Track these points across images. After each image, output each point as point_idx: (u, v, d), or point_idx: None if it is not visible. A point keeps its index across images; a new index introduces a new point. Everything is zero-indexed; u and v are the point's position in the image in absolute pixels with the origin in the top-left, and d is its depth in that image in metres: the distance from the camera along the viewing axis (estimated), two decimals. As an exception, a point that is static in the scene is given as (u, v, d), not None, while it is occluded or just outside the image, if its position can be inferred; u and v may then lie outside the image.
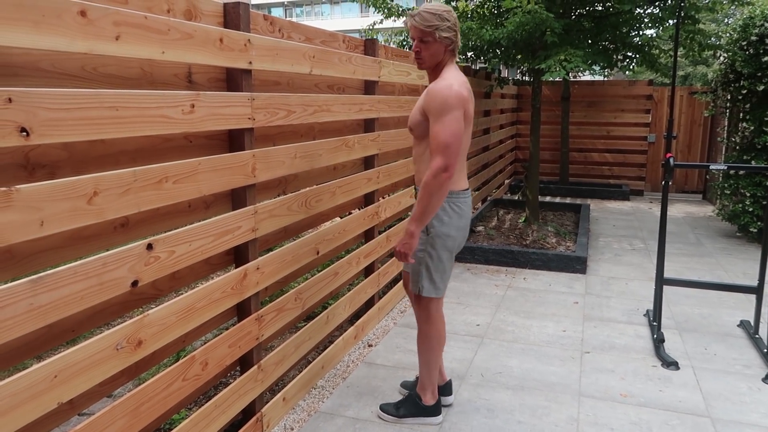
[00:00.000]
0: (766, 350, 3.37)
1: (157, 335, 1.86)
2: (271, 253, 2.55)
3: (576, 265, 5.07)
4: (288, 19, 2.72)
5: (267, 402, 2.61)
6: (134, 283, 1.76)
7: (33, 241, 1.54)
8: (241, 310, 2.39)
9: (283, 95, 2.52)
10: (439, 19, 2.36)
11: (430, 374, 2.68)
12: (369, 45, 3.55)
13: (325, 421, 2.70)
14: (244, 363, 2.45)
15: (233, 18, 2.23)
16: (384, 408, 2.72)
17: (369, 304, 3.78)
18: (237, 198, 2.33)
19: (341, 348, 3.34)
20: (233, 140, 2.30)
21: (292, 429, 2.65)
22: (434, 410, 2.70)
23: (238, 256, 2.37)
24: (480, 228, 6.23)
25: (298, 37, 2.78)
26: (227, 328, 2.31)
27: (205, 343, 2.20)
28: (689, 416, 2.78)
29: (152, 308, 1.88)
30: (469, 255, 5.35)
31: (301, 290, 2.83)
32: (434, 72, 2.47)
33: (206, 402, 2.19)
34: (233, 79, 2.27)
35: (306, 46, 2.71)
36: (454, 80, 2.36)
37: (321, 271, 3.11)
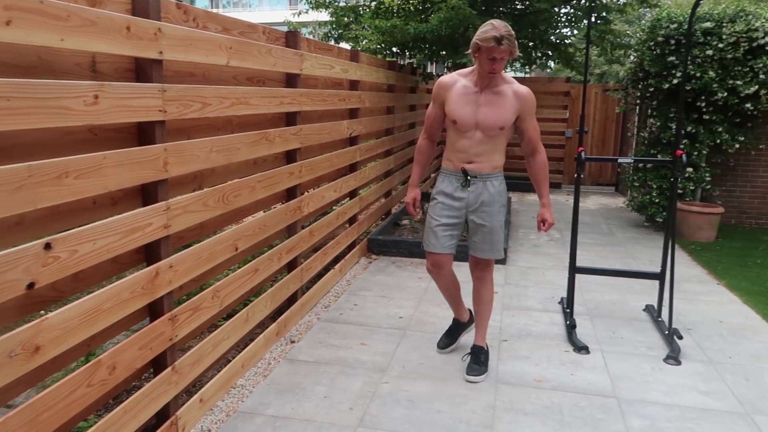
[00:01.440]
0: (667, 332, 3.61)
1: (57, 340, 1.76)
2: (185, 250, 2.47)
3: (497, 256, 5.22)
4: (214, 10, 2.64)
5: (183, 404, 2.53)
6: (30, 285, 1.66)
7: None
8: (154, 311, 2.31)
9: (197, 87, 2.44)
10: (515, 39, 2.77)
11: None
12: (290, 37, 3.50)
13: (244, 421, 2.66)
14: (158, 365, 2.36)
15: (142, 5, 2.14)
16: (473, 374, 3.08)
17: (292, 300, 3.75)
18: (148, 194, 2.24)
19: (263, 345, 3.29)
20: (143, 133, 2.20)
21: (210, 430, 2.59)
22: None
23: (150, 254, 2.28)
24: (405, 221, 6.30)
25: (214, 27, 2.70)
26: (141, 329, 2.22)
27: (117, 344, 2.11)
28: (597, 397, 2.94)
29: (53, 311, 1.78)
30: (394, 248, 5.40)
31: (219, 288, 2.76)
32: (496, 77, 2.89)
33: (117, 407, 2.10)
34: (143, 70, 2.17)
35: (223, 37, 2.63)
36: None
37: (240, 267, 3.05)
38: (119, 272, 2.19)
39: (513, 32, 2.75)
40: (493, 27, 2.70)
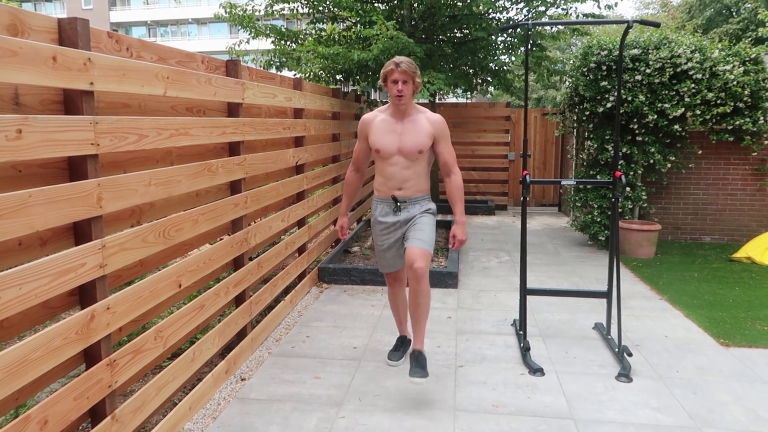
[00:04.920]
0: (617, 350, 3.66)
1: (-22, 396, 1.60)
2: (124, 289, 2.33)
3: (448, 280, 5.23)
4: (152, 39, 2.55)
5: (125, 455, 2.36)
6: (-54, 339, 1.51)
7: None
8: (90, 356, 2.15)
9: (133, 118, 2.34)
10: (415, 67, 3.16)
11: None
12: (231, 66, 3.43)
13: (192, 469, 2.50)
14: (96, 415, 2.20)
15: (70, 35, 2.04)
16: (418, 375, 3.07)
17: (241, 335, 3.60)
18: (80, 232, 2.10)
19: (211, 385, 3.14)
20: (74, 168, 2.08)
21: (156, 482, 2.42)
22: None
23: (84, 296, 2.13)
24: (356, 248, 6.24)
25: (149, 56, 2.61)
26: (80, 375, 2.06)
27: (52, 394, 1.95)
28: (555, 420, 2.93)
29: (-27, 365, 1.62)
30: (345, 276, 5.32)
31: (162, 327, 2.62)
32: (407, 106, 3.22)
33: (49, 465, 1.93)
34: (72, 102, 2.06)
35: (159, 66, 2.54)
36: None
37: (185, 304, 2.91)
38: (51, 317, 2.04)
39: (414, 63, 3.15)
40: (393, 58, 3.16)
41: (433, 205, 3.36)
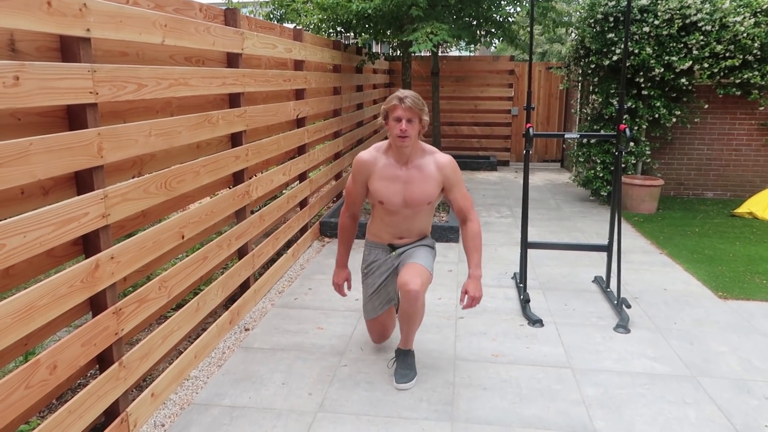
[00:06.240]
0: (616, 302, 3.71)
1: (-12, 341, 1.63)
2: (128, 239, 2.35)
3: (449, 234, 5.25)
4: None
5: (133, 400, 2.42)
6: (-47, 284, 1.52)
7: None
8: (96, 305, 2.18)
9: (131, 67, 2.30)
10: (423, 103, 2.70)
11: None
12: (229, 15, 3.36)
13: (199, 413, 2.57)
14: (103, 361, 2.24)
15: (64, -22, 1.98)
16: (403, 380, 2.83)
17: (244, 286, 3.65)
18: (82, 181, 2.10)
19: (215, 335, 3.19)
20: (73, 117, 2.06)
21: (163, 425, 2.49)
22: None
23: (88, 245, 2.14)
24: (357, 203, 6.25)
25: (146, 3, 2.55)
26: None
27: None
28: (553, 369, 2.99)
29: (-19, 311, 1.64)
30: (347, 231, 5.34)
31: (166, 278, 2.64)
32: (412, 148, 2.75)
33: (61, 407, 1.98)
34: (69, 49, 2.02)
35: (156, 14, 2.49)
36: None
37: (188, 255, 2.93)
38: (56, 265, 2.05)
39: (421, 99, 2.70)
40: (397, 92, 2.70)
41: (431, 241, 3.03)
